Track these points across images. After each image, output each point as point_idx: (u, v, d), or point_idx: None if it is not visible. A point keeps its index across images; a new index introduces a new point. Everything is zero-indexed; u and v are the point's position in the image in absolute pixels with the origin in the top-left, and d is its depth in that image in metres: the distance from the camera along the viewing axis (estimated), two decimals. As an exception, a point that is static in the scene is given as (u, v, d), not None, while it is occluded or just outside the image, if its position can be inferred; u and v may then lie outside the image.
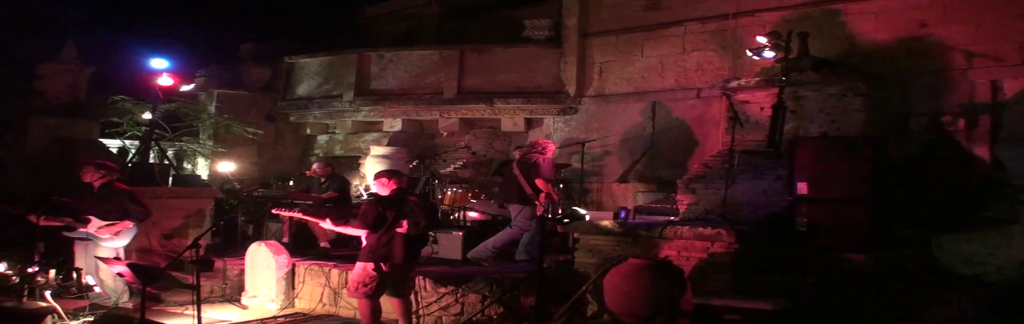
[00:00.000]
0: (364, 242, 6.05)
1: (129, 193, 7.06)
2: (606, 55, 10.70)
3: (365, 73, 11.88)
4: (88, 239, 6.86)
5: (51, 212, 6.69)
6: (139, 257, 7.63)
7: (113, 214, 6.87)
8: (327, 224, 6.15)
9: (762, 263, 6.43)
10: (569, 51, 10.92)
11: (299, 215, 6.61)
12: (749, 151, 7.86)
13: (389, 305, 6.15)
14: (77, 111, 10.31)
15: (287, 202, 8.96)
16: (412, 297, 6.82)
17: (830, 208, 6.59)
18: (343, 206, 8.81)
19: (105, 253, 6.77)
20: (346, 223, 6.10)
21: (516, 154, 8.69)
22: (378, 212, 5.87)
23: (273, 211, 6.82)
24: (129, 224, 6.92)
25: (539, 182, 7.71)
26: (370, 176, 8.92)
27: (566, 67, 10.94)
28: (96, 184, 6.97)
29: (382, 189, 6.14)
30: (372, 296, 5.90)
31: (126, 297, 6.84)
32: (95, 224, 6.80)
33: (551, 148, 8.19)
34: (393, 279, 5.98)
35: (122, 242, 6.97)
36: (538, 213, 7.68)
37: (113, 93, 10.62)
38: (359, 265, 5.96)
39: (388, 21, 14.59)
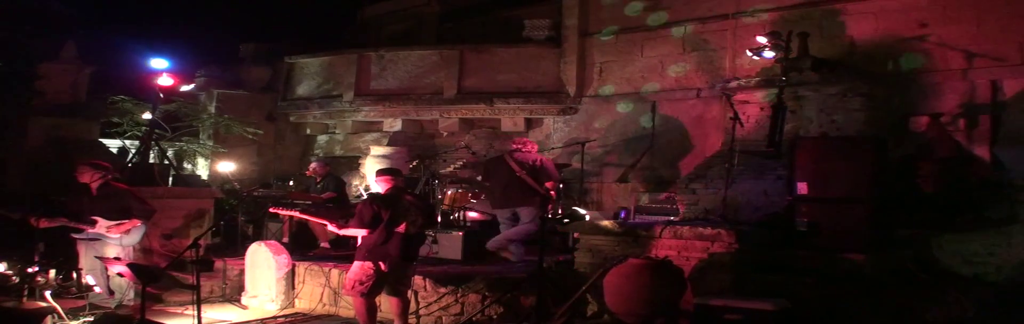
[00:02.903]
0: (360, 241, 6.02)
1: (129, 192, 7.05)
2: (606, 55, 10.70)
3: (365, 73, 11.88)
4: (94, 240, 6.83)
5: (50, 214, 6.67)
6: (139, 257, 7.63)
7: (116, 214, 6.84)
8: (332, 228, 6.12)
9: (762, 263, 6.42)
10: (569, 51, 10.92)
11: (298, 214, 6.60)
12: (749, 151, 7.86)
13: (386, 304, 6.14)
14: (77, 111, 10.31)
15: (287, 202, 8.96)
16: (411, 297, 6.84)
17: (830, 208, 6.59)
18: (343, 206, 8.81)
19: (113, 252, 6.75)
20: (345, 224, 6.07)
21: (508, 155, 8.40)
22: (374, 211, 5.85)
23: (271, 210, 6.76)
24: (137, 222, 6.91)
25: (550, 185, 7.78)
26: (371, 176, 8.92)
27: (566, 67, 10.94)
28: (94, 184, 6.95)
29: (383, 186, 6.15)
30: (368, 295, 5.88)
31: (132, 294, 6.83)
32: (103, 224, 6.78)
33: (536, 146, 8.28)
34: (391, 278, 5.97)
35: (132, 241, 6.97)
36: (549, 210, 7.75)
37: (113, 93, 10.63)
38: (356, 264, 5.94)
39: (388, 21, 14.59)
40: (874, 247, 6.47)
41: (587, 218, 7.13)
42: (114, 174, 7.16)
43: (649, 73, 10.28)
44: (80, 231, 6.80)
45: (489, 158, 7.96)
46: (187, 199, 8.69)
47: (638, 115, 10.29)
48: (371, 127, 12.61)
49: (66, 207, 6.90)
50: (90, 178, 6.94)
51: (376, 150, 11.62)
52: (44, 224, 6.58)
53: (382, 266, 5.85)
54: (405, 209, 5.96)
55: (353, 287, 5.89)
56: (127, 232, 6.86)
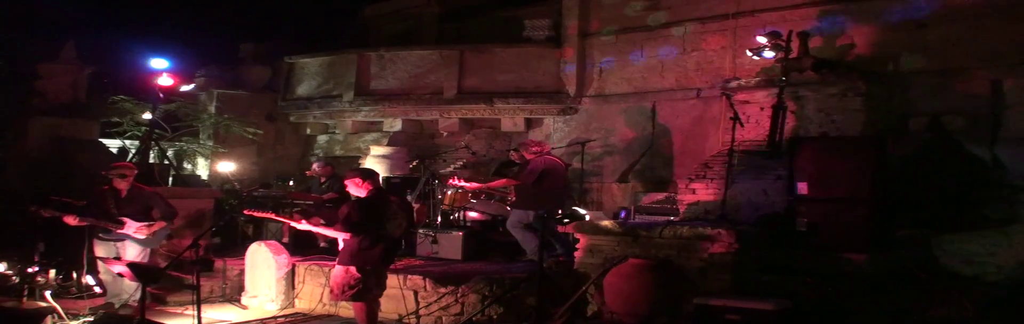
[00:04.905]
0: (342, 244, 5.90)
1: (157, 194, 7.12)
2: (606, 55, 10.70)
3: (365, 73, 11.88)
4: (118, 240, 6.81)
5: (81, 213, 6.65)
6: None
7: (139, 215, 6.87)
8: (303, 225, 6.00)
9: (762, 263, 6.42)
10: (569, 51, 10.92)
11: (273, 216, 6.53)
12: (749, 151, 7.86)
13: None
14: (77, 111, 10.30)
15: (287, 202, 8.97)
16: (411, 297, 6.84)
17: (830, 208, 6.59)
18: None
19: (133, 253, 6.75)
20: (329, 225, 5.95)
21: (532, 155, 7.97)
22: (362, 215, 5.71)
23: (245, 212, 6.61)
24: (164, 224, 6.95)
25: None
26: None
27: (566, 67, 10.94)
28: (124, 187, 6.94)
29: (358, 190, 5.96)
30: (361, 298, 5.79)
31: (138, 295, 6.82)
32: (131, 225, 6.79)
33: None
34: (374, 280, 5.89)
35: (155, 243, 7.00)
36: None
37: (113, 93, 10.63)
38: (339, 268, 5.80)
39: (388, 21, 14.59)
40: (874, 247, 6.47)
41: (587, 218, 7.13)
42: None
43: (649, 73, 10.29)
44: (108, 232, 6.78)
45: (536, 160, 7.63)
46: (187, 199, 8.69)
47: (638, 115, 10.29)
48: (371, 127, 12.62)
49: (92, 208, 6.85)
50: (125, 182, 6.91)
51: (376, 150, 11.62)
52: (74, 222, 6.56)
53: (367, 269, 5.76)
54: (393, 212, 5.86)
55: (342, 292, 5.78)
56: (153, 234, 6.88)
